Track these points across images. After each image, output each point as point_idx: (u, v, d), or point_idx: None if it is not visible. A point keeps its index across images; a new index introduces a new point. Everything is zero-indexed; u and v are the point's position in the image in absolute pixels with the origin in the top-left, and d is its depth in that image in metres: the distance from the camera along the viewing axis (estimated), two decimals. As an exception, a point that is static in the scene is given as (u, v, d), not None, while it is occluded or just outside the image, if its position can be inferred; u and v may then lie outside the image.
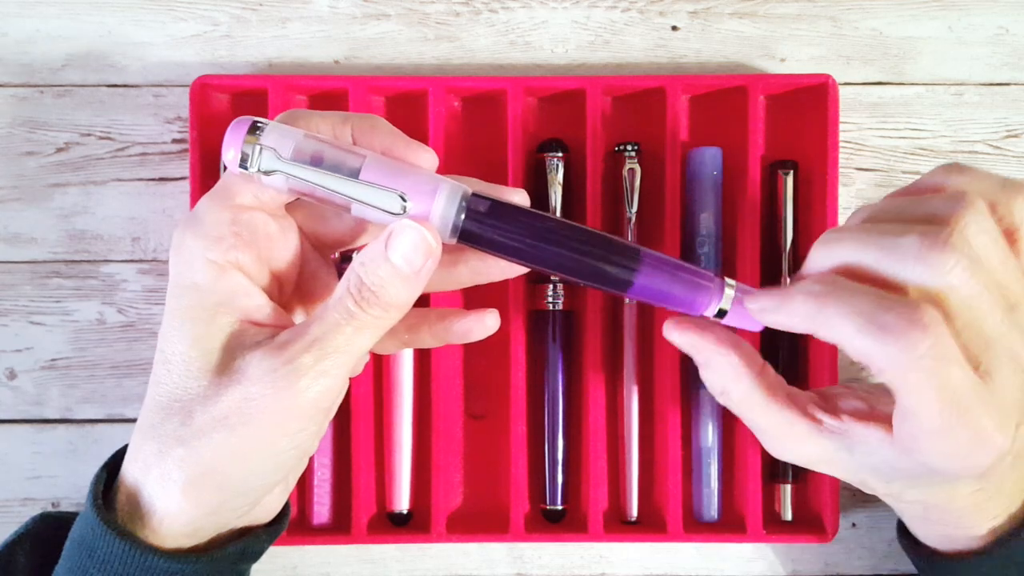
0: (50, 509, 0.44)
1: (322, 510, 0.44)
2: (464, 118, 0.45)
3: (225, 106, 0.44)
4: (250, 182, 0.29)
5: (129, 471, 0.30)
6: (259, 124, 0.29)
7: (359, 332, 0.29)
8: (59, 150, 0.44)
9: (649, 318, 0.44)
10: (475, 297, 0.44)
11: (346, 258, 0.37)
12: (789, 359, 0.43)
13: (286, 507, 0.35)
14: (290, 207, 0.32)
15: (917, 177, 0.32)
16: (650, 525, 0.44)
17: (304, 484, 0.44)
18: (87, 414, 0.44)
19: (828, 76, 0.42)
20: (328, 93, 0.44)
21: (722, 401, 0.33)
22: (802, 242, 0.43)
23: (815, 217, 0.43)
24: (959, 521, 0.34)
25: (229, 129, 0.29)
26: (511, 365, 0.42)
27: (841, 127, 0.43)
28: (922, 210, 0.29)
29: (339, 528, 0.43)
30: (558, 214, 0.43)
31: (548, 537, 0.43)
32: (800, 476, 0.44)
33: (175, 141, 0.45)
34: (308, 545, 0.43)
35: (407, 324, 0.33)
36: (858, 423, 0.31)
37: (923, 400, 0.27)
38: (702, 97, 0.44)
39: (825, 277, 0.29)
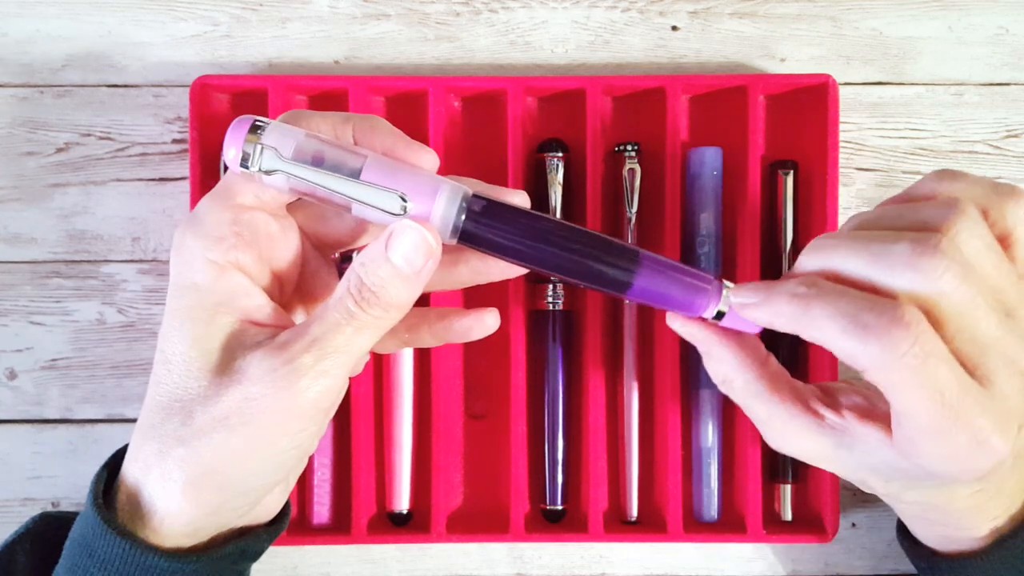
0: (50, 509, 0.44)
1: (322, 510, 0.44)
2: (464, 118, 0.45)
3: (225, 106, 0.44)
4: (251, 182, 0.29)
5: (129, 471, 0.30)
6: (260, 123, 0.29)
7: (359, 332, 0.29)
8: (59, 150, 0.44)
9: (649, 318, 0.44)
10: (475, 297, 0.44)
11: (346, 258, 0.37)
12: (790, 356, 0.43)
13: (286, 507, 0.35)
14: (291, 207, 0.32)
15: (917, 177, 0.32)
16: (650, 525, 0.44)
17: (304, 484, 0.44)
18: (87, 414, 0.44)
19: (828, 76, 0.42)
20: (328, 93, 0.44)
21: (724, 390, 0.33)
22: (802, 242, 0.43)
23: (815, 217, 0.43)
24: (959, 522, 0.34)
25: (230, 128, 0.29)
26: (511, 365, 0.42)
27: (841, 127, 0.43)
28: (914, 217, 0.29)
29: (339, 528, 0.43)
30: (558, 214, 0.43)
31: (548, 537, 0.43)
32: (800, 476, 0.44)
33: (175, 141, 0.45)
34: (308, 545, 0.43)
35: (407, 323, 0.33)
36: (859, 422, 0.31)
37: (912, 399, 0.27)
38: (702, 97, 0.44)
39: (810, 279, 0.29)
